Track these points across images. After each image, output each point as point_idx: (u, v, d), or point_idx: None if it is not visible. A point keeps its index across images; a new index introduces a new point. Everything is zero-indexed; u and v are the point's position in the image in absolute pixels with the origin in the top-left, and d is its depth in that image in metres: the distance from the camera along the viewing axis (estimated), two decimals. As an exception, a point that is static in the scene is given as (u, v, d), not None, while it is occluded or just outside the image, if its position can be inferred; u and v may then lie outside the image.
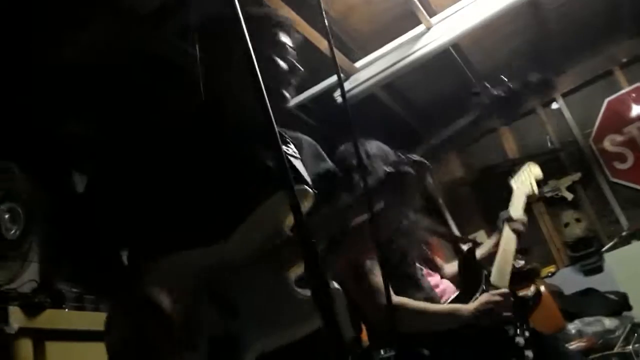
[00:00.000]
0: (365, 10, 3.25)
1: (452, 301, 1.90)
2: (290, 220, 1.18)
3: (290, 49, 1.38)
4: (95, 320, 2.27)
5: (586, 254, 4.13)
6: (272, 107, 1.29)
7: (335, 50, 1.33)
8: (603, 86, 4.49)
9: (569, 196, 4.39)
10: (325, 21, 1.23)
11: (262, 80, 1.25)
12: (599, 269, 4.03)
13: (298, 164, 1.38)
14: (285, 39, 1.38)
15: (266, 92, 1.25)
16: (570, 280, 4.05)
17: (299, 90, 3.61)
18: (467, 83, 4.31)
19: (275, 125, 1.26)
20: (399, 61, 3.40)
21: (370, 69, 3.53)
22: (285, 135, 1.45)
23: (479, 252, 2.16)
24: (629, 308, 3.50)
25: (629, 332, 3.35)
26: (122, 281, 1.15)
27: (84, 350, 2.14)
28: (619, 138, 4.33)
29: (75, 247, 1.21)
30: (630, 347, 3.14)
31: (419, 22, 3.30)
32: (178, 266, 1.13)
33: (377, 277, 1.80)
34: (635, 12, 3.97)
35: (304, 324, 1.09)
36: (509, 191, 2.30)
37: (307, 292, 1.11)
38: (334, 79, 3.47)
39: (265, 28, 1.35)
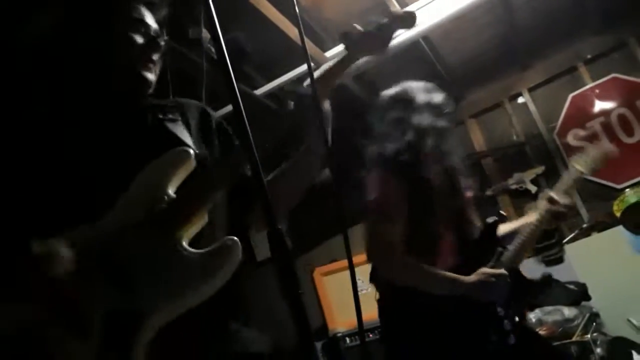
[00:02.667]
0: (336, 0, 3.23)
1: (454, 269, 1.90)
2: (173, 181, 1.14)
3: (150, 25, 1.30)
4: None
5: (548, 245, 4.23)
6: (128, 91, 1.28)
7: (306, 39, 1.31)
8: (568, 81, 4.58)
9: (533, 189, 4.48)
10: (297, 9, 1.21)
11: (114, 59, 1.25)
12: (559, 260, 4.13)
13: (177, 129, 1.31)
14: (143, 13, 1.30)
15: (118, 74, 1.25)
16: (532, 270, 4.11)
17: (269, 78, 3.59)
18: (437, 75, 4.35)
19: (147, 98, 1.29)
20: (369, 52, 3.39)
21: (340, 58, 3.52)
22: (165, 103, 1.39)
23: (505, 227, 2.11)
24: (588, 298, 3.59)
25: (588, 321, 3.45)
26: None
27: None
28: (582, 133, 4.43)
29: None
30: (589, 336, 3.23)
31: (390, 13, 3.30)
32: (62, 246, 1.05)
33: (391, 234, 1.88)
34: (600, 9, 4.06)
35: (198, 286, 1.04)
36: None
37: (197, 252, 1.06)
38: (303, 67, 3.44)
39: (121, 3, 1.28)
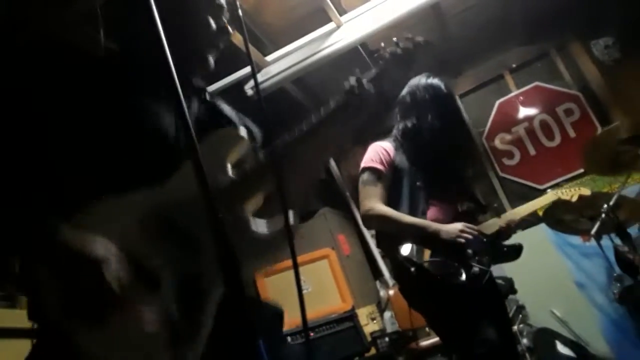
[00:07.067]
0: (277, 5, 3.28)
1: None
2: (231, 159, 1.17)
3: (225, 12, 1.33)
4: (6, 317, 2.14)
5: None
6: (193, 72, 1.31)
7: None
8: (495, 89, 4.85)
9: (463, 189, 4.69)
10: (240, 13, 1.24)
11: (189, 43, 1.25)
12: (489, 257, 4.35)
13: (226, 109, 1.37)
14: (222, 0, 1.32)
15: (189, 56, 1.26)
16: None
17: (210, 81, 3.58)
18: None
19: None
20: (309, 57, 3.47)
21: (281, 62, 3.57)
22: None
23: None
24: (514, 292, 3.80)
25: (515, 313, 3.66)
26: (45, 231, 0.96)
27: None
28: (507, 137, 4.70)
29: None
30: (515, 327, 3.43)
31: (329, 20, 3.39)
32: (121, 208, 1.04)
33: (366, 189, 2.30)
34: (525, 22, 4.31)
35: (260, 261, 1.10)
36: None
37: (264, 228, 1.10)
38: (244, 71, 3.47)
39: None
